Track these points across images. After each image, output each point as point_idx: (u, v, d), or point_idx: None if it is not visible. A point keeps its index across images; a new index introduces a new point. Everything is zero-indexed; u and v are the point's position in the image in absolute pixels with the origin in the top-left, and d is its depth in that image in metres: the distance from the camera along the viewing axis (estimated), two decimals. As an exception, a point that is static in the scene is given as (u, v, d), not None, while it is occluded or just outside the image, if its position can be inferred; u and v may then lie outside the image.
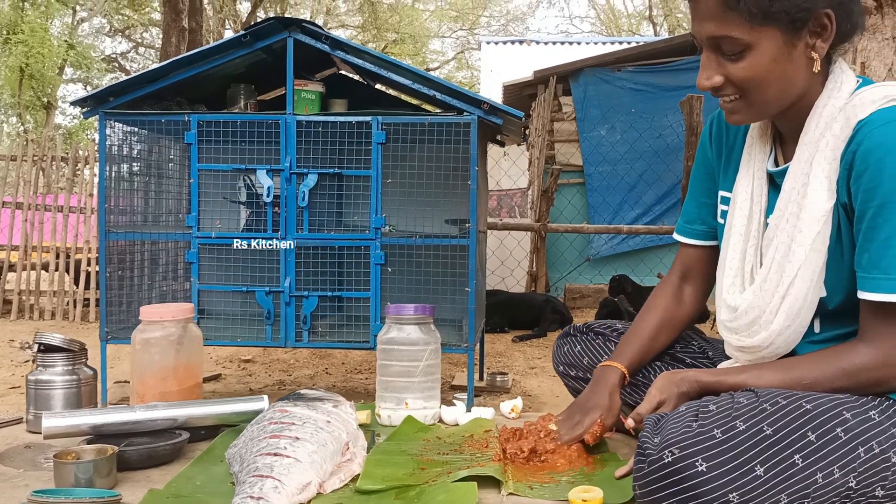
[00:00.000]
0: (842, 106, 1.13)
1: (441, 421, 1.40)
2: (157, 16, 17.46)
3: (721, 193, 1.34)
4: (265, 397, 1.31)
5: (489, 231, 6.64)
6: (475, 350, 3.95)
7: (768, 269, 1.17)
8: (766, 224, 1.21)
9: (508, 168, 7.74)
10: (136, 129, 3.35)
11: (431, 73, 24.21)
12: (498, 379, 3.89)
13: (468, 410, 1.40)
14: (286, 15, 17.77)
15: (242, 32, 3.09)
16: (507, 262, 7.32)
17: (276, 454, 1.04)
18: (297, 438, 1.04)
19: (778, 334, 1.16)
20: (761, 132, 1.26)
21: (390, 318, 1.38)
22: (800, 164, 1.16)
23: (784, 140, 1.24)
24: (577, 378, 1.46)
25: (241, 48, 3.13)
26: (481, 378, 4.07)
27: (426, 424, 1.34)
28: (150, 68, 3.23)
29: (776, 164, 1.25)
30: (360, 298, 3.22)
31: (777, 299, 1.15)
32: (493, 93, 11.73)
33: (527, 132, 8.57)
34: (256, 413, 1.23)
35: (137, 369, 1.52)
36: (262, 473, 1.03)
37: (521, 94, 8.47)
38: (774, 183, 1.23)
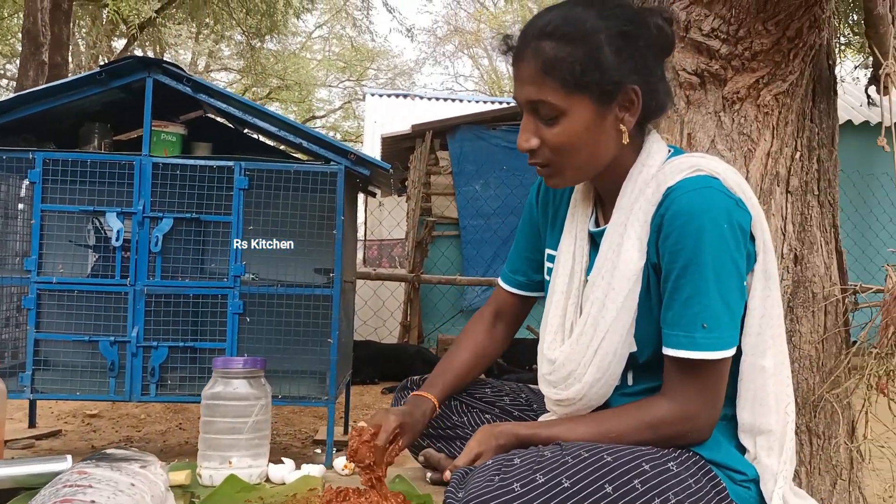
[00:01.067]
0: (654, 173, 1.20)
1: (268, 480, 1.34)
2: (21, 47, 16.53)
3: (547, 251, 1.39)
4: (68, 457, 1.22)
5: (363, 281, 6.60)
6: (340, 402, 3.88)
7: (584, 323, 1.21)
8: (587, 282, 1.26)
9: (384, 218, 7.77)
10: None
11: (318, 120, 23.87)
12: (362, 433, 3.80)
13: (297, 467, 1.35)
14: (165, 56, 17.30)
15: (97, 70, 2.97)
16: (380, 313, 7.28)
17: (70, 521, 0.95)
18: (93, 502, 0.96)
19: (590, 387, 1.20)
20: (584, 194, 1.33)
21: (217, 371, 1.32)
22: (615, 225, 1.22)
23: (604, 202, 1.31)
24: None
25: (97, 86, 3.01)
26: (345, 431, 3.97)
27: (250, 484, 1.28)
28: (-8, 101, 3.03)
29: (597, 224, 1.31)
30: (215, 350, 3.08)
31: (590, 353, 1.19)
32: (375, 143, 11.82)
33: (405, 183, 8.66)
34: (56, 474, 1.14)
35: (-67, 428, 1.37)
36: (54, 543, 0.94)
37: (399, 146, 8.58)
38: (595, 242, 1.28)
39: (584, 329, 1.21)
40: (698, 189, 1.14)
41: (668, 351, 1.14)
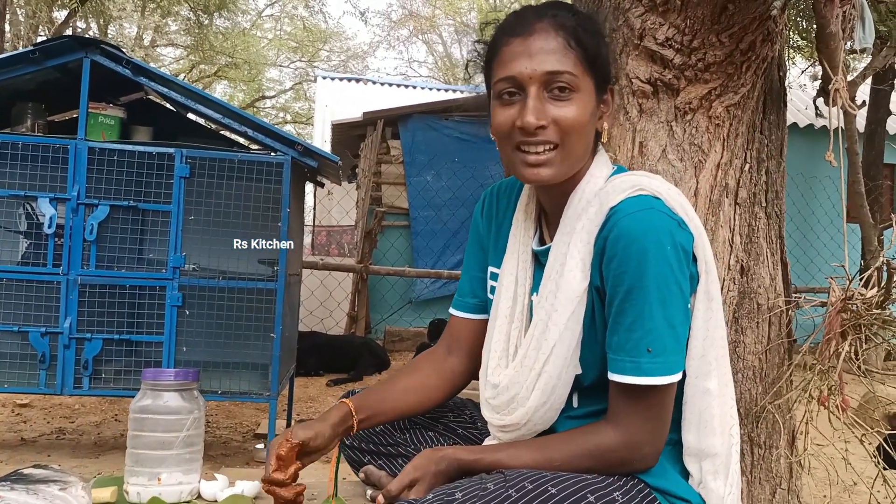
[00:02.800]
0: (597, 190, 1.18)
1: (199, 496, 1.28)
2: (-44, 13, 15.75)
3: (490, 269, 1.34)
4: (-19, 477, 1.14)
5: (310, 270, 6.50)
6: (283, 395, 3.80)
7: (527, 345, 1.18)
8: (531, 302, 1.22)
9: (332, 207, 7.65)
10: None
11: (267, 100, 23.32)
12: (304, 427, 3.74)
13: (231, 483, 1.30)
14: (109, 29, 16.70)
15: (31, 48, 2.81)
16: (328, 303, 7.18)
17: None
18: (6, 531, 0.89)
19: (535, 411, 1.17)
20: (525, 213, 1.28)
21: (146, 383, 1.25)
22: (559, 244, 1.18)
23: (549, 220, 1.27)
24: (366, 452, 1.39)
25: (31, 64, 2.86)
26: (288, 425, 3.90)
27: (178, 503, 1.22)
28: (-86, 76, 2.85)
29: (541, 242, 1.27)
30: (153, 343, 2.98)
31: (533, 376, 1.16)
32: (325, 127, 11.63)
33: (356, 171, 8.55)
34: (-32, 496, 1.06)
35: None
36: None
37: (350, 133, 8.45)
38: (540, 261, 1.24)
39: (528, 351, 1.18)
40: (640, 210, 1.11)
41: (613, 376, 1.12)
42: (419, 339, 6.70)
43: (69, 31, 13.62)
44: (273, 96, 25.30)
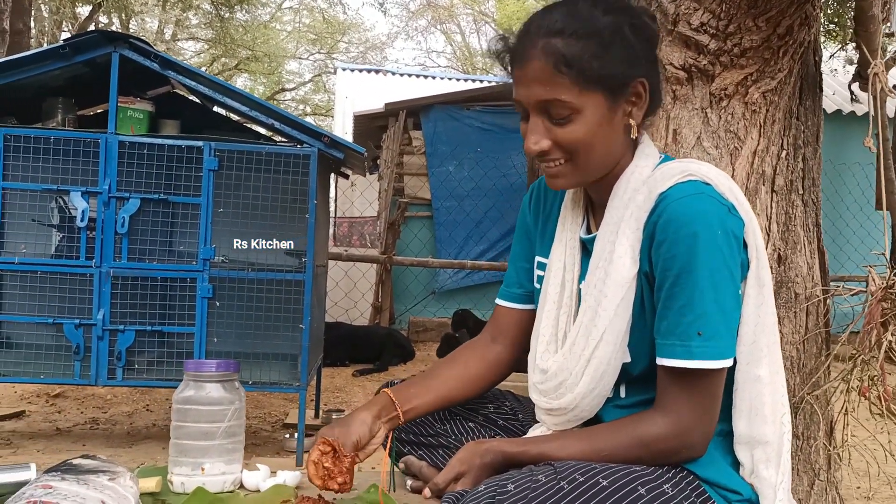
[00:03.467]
0: (645, 178, 1.17)
1: (242, 486, 1.30)
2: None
3: (537, 259, 1.34)
4: (32, 465, 1.16)
5: (335, 262, 6.53)
6: (311, 386, 3.82)
7: (577, 332, 1.18)
8: (580, 290, 1.22)
9: (356, 198, 7.67)
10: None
11: (287, 93, 23.41)
12: (334, 416, 3.76)
13: (272, 473, 1.31)
14: (131, 24, 16.82)
15: (61, 43, 2.84)
16: (352, 294, 7.21)
17: (35, 537, 0.90)
18: (60, 520, 0.91)
19: (582, 397, 1.17)
20: (574, 201, 1.28)
21: (188, 374, 1.26)
22: (607, 231, 1.18)
23: (595, 208, 1.27)
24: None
25: (60, 60, 2.88)
26: (316, 415, 3.93)
27: (220, 494, 1.23)
28: (-52, 73, 2.89)
29: (588, 231, 1.27)
30: (184, 334, 3.01)
31: (583, 362, 1.16)
32: (346, 119, 11.65)
33: (378, 162, 8.56)
34: (19, 485, 1.08)
35: None
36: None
37: (372, 124, 8.46)
38: (587, 249, 1.24)
39: (577, 338, 1.17)
40: (691, 195, 1.11)
41: (662, 361, 1.11)
42: (443, 330, 6.71)
43: (92, 27, 13.73)
44: (293, 88, 25.39)
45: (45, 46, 2.88)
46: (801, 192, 1.79)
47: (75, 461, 1.08)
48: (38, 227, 3.09)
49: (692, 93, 1.71)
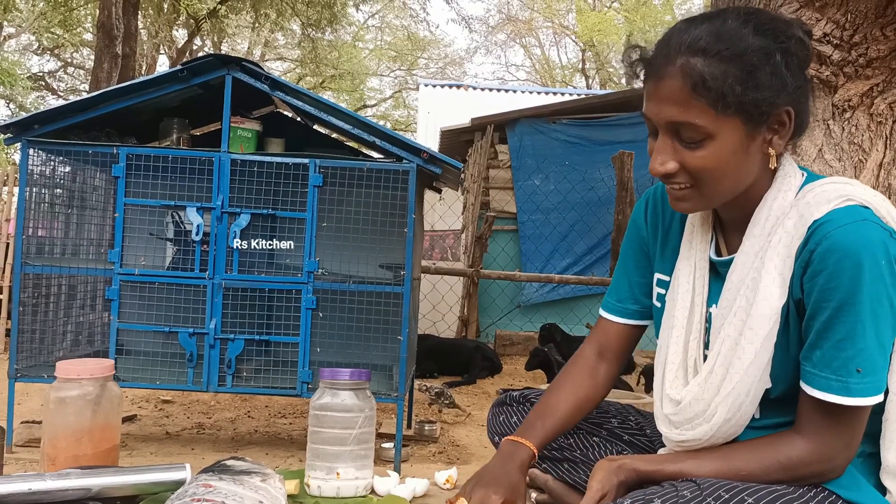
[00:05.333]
0: (792, 201, 1.12)
1: (373, 492, 1.34)
2: (89, 36, 16.96)
3: (657, 276, 1.31)
4: (187, 466, 1.23)
5: (423, 275, 6.62)
6: (405, 398, 3.89)
7: (713, 362, 1.14)
8: (709, 314, 1.19)
9: (444, 212, 7.76)
10: (61, 158, 3.21)
11: (368, 109, 23.98)
12: (426, 427, 3.82)
13: (401, 480, 1.35)
14: (223, 45, 17.54)
15: (179, 67, 3.01)
16: (439, 307, 7.29)
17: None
18: (225, 518, 0.97)
19: (719, 427, 1.13)
20: (703, 220, 1.23)
21: (324, 382, 1.32)
22: (748, 256, 1.13)
23: (726, 229, 1.22)
24: None
25: (177, 83, 3.05)
26: (409, 426, 3.99)
27: (356, 497, 1.28)
28: (80, 98, 3.11)
29: (718, 251, 1.22)
30: (289, 343, 3.12)
31: (723, 393, 1.12)
32: (429, 133, 11.82)
33: (463, 177, 8.64)
34: (176, 483, 1.15)
35: (50, 431, 1.41)
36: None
37: (458, 139, 8.56)
38: (716, 271, 1.20)
39: (715, 368, 1.14)
40: (853, 223, 1.05)
41: (813, 392, 1.08)
42: (529, 343, 6.70)
43: (191, 51, 14.37)
44: (374, 105, 25.92)
45: (160, 71, 3.05)
46: (929, 205, 1.72)
47: (228, 462, 1.14)
48: (155, 241, 3.27)
49: (813, 105, 1.68)
